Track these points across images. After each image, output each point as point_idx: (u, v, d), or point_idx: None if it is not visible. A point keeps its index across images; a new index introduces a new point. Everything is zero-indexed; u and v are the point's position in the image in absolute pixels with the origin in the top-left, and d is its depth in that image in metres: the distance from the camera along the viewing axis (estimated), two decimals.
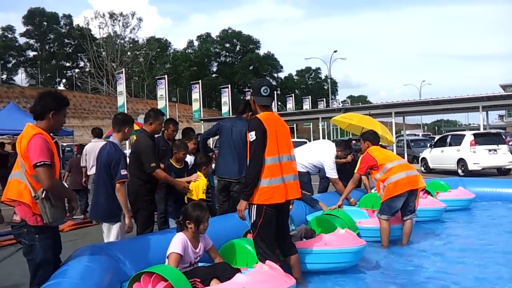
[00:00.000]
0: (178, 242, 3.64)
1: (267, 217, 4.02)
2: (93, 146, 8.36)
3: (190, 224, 3.74)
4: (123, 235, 4.46)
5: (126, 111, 32.78)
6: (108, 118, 44.91)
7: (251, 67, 72.67)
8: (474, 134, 17.59)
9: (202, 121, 39.47)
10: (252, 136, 3.97)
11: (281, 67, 78.57)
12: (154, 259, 3.90)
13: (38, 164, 3.09)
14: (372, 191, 7.62)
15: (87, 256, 3.61)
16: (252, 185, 3.96)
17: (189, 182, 5.36)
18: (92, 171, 8.05)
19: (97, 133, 9.23)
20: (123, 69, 32.49)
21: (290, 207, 5.09)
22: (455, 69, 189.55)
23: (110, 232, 4.35)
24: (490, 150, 16.62)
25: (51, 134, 3.44)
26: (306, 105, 50.09)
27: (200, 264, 3.92)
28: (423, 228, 6.74)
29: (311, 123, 48.03)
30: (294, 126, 49.95)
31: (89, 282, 3.04)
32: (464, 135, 18.03)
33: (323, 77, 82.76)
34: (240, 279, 3.46)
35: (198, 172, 5.72)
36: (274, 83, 76.24)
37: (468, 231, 6.89)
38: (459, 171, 16.96)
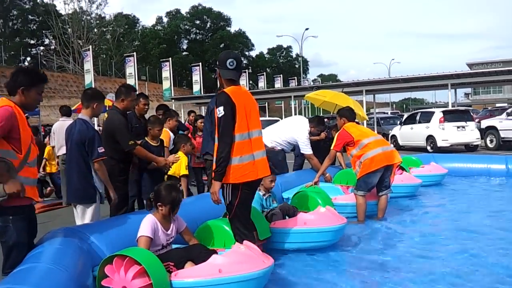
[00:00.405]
0: (147, 225, 3.49)
1: (243, 196, 3.88)
2: (61, 125, 8.05)
3: (162, 207, 3.59)
4: (98, 218, 4.30)
5: None
6: (75, 97, 43.78)
7: (222, 45, 71.72)
8: (443, 112, 17.89)
9: (173, 100, 38.86)
10: (220, 111, 3.75)
11: (253, 45, 78.10)
12: (128, 241, 3.76)
13: None
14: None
15: (60, 239, 3.44)
16: (224, 164, 3.75)
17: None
18: (61, 151, 7.77)
19: (65, 111, 8.88)
20: (90, 47, 31.56)
21: (272, 184, 5.06)
22: (424, 48, 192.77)
23: (85, 215, 4.15)
24: (458, 127, 16.93)
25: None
26: (278, 84, 50.02)
27: (173, 246, 3.80)
28: (397, 203, 6.81)
29: (283, 102, 48.07)
30: (266, 104, 49.97)
31: (61, 266, 2.88)
32: (433, 113, 18.32)
33: (294, 56, 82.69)
34: (216, 260, 3.32)
35: (179, 152, 5.66)
36: (245, 61, 75.73)
37: (441, 206, 6.99)
38: (428, 147, 17.27)
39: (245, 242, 3.71)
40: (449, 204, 7.03)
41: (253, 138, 3.91)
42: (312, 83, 51.21)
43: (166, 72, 39.74)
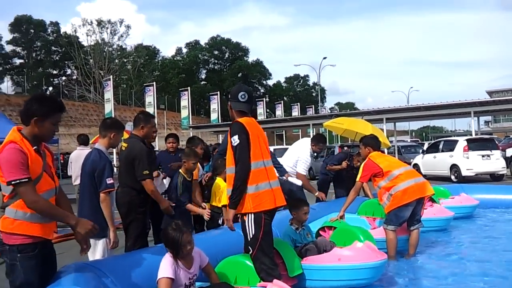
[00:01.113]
0: (166, 265, 3.26)
1: (267, 226, 3.76)
2: (79, 154, 7.98)
3: (170, 251, 3.37)
4: (110, 252, 4.08)
5: None
6: (95, 125, 44.30)
7: (239, 74, 72.49)
8: (467, 140, 17.45)
9: (191, 128, 38.99)
10: (235, 140, 3.76)
11: (270, 74, 78.70)
12: (148, 278, 3.53)
13: (13, 182, 2.73)
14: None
15: (76, 277, 3.22)
16: (240, 191, 3.72)
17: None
18: (78, 181, 7.63)
19: (83, 140, 8.81)
20: (111, 77, 31.99)
21: (306, 216, 4.89)
22: (441, 76, 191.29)
23: (96, 249, 3.94)
24: (483, 156, 16.48)
25: None
26: (295, 112, 49.97)
27: (197, 285, 3.55)
28: (427, 237, 6.42)
29: (300, 130, 47.88)
30: (283, 132, 49.88)
31: None
32: (457, 141, 17.89)
33: (311, 84, 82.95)
34: None
35: (217, 178, 5.61)
36: (262, 90, 76.22)
37: (475, 239, 6.57)
38: (452, 177, 16.80)
39: (275, 281, 3.46)
40: (482, 237, 6.61)
41: (267, 167, 3.91)
42: (329, 111, 51.07)
43: (185, 101, 40.10)
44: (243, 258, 4.05)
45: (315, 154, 7.38)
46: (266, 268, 3.73)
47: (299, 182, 6.30)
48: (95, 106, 50.47)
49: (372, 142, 5.95)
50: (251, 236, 3.74)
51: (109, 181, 3.92)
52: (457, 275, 4.83)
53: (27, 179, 2.74)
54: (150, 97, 35.72)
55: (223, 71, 74.29)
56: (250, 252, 3.81)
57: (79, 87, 53.80)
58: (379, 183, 5.62)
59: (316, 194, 6.75)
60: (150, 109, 36.03)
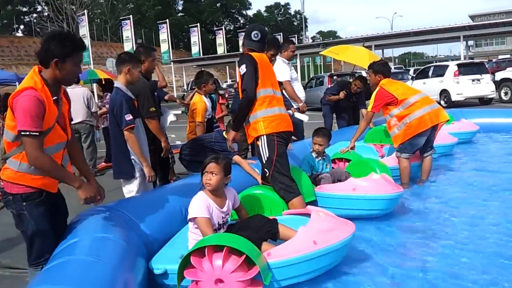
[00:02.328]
0: (200, 204, 3.07)
1: (280, 147, 3.88)
2: (69, 93, 7.53)
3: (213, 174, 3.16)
4: (148, 187, 4.00)
5: (90, 55, 31.21)
6: None
7: (218, 4, 70.01)
8: (457, 65, 17.26)
9: (172, 63, 38.03)
10: (242, 69, 3.87)
11: (250, 3, 76.17)
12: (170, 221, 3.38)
13: (23, 133, 2.45)
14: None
15: (96, 219, 3.01)
16: (243, 113, 3.90)
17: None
18: (75, 119, 7.34)
19: None
20: (85, 11, 30.45)
21: (321, 147, 4.82)
22: (424, 1, 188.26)
23: (126, 191, 3.91)
24: (473, 80, 16.39)
25: None
26: None
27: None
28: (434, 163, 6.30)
29: None
30: None
31: (106, 259, 2.44)
32: (447, 66, 17.70)
33: (292, 13, 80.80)
34: (307, 233, 3.02)
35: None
36: (243, 21, 74.15)
37: (479, 163, 6.53)
38: (442, 102, 16.77)
39: (318, 209, 3.48)
40: (486, 163, 6.54)
41: (277, 96, 4.04)
42: (311, 41, 50.00)
43: (164, 34, 38.76)
44: (261, 189, 4.04)
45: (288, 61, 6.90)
46: (284, 187, 3.85)
47: (305, 118, 6.05)
48: None
49: (382, 68, 5.62)
50: (265, 158, 3.88)
51: (128, 117, 3.70)
52: (467, 201, 4.77)
53: (37, 133, 2.47)
54: (128, 31, 34.48)
55: (201, 2, 71.58)
56: (267, 174, 3.92)
57: (52, 24, 51.29)
58: (392, 111, 5.39)
59: (300, 104, 6.34)
60: (128, 44, 34.86)
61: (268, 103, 3.89)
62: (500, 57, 37.26)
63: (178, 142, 8.75)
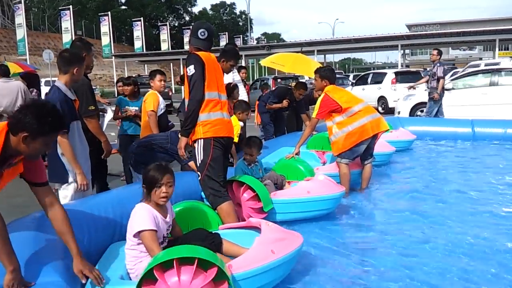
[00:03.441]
0: (146, 216, 2.83)
1: (216, 152, 3.86)
2: (3, 87, 7.13)
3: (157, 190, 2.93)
4: (81, 195, 3.78)
5: (26, 46, 29.72)
6: (5, 53, 40.61)
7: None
8: (395, 73, 17.99)
9: (113, 57, 36.94)
10: (190, 70, 3.80)
11: (195, 0, 75.43)
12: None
13: None
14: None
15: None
16: (192, 118, 3.82)
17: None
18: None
19: (3, 71, 7.80)
20: None
21: (254, 157, 4.85)
22: (364, 9, 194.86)
23: (61, 196, 3.70)
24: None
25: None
26: (223, 42, 48.71)
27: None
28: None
29: None
30: None
31: None
32: (385, 74, 18.40)
33: (238, 13, 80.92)
34: (263, 243, 3.03)
35: (233, 116, 5.45)
36: (188, 18, 73.34)
37: (417, 171, 6.83)
38: (380, 108, 17.41)
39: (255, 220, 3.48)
40: (423, 170, 6.88)
41: (222, 100, 3.99)
42: (255, 42, 50.30)
43: (105, 27, 37.60)
44: (197, 204, 3.92)
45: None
46: (213, 192, 3.84)
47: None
48: (5, 32, 45.95)
49: (329, 74, 5.67)
50: (199, 161, 3.85)
51: None
52: (408, 208, 4.97)
53: None
54: (67, 22, 33.18)
55: None
56: (199, 178, 3.91)
57: None
58: (335, 118, 5.49)
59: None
60: (67, 35, 33.50)
61: (211, 107, 3.85)
62: None
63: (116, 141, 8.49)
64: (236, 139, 5.36)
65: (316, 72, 5.84)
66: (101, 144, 4.35)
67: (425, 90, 11.29)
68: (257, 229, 3.38)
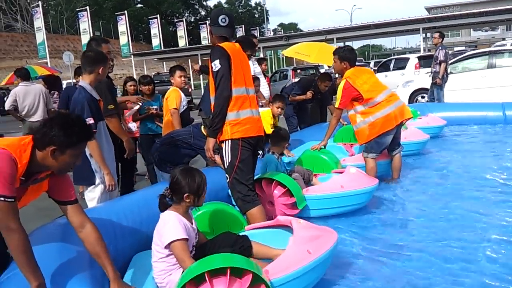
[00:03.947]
0: (177, 225, 2.64)
1: (244, 153, 3.61)
2: (26, 90, 7.20)
3: (188, 198, 2.75)
4: (109, 196, 3.74)
5: (46, 49, 30.05)
6: (26, 57, 41.27)
7: None
8: (418, 57, 17.55)
9: (132, 56, 37.14)
10: (216, 65, 3.54)
11: None
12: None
13: None
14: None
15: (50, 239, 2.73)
16: (220, 118, 3.55)
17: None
18: (34, 117, 7.19)
19: (24, 74, 7.79)
20: (40, 2, 29.25)
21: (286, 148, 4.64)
22: None
23: (88, 199, 3.72)
24: None
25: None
26: (240, 34, 48.53)
27: None
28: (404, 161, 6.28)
29: None
30: None
31: None
32: (408, 59, 18.00)
33: (253, 5, 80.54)
34: (298, 243, 2.83)
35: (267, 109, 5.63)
36: (203, 12, 73.28)
37: (450, 159, 6.52)
38: None
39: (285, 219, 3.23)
40: (457, 157, 6.59)
41: (250, 95, 3.73)
42: (272, 34, 49.87)
43: (123, 26, 37.77)
44: (221, 206, 3.71)
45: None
46: (241, 196, 3.63)
47: None
48: (25, 36, 46.64)
49: (349, 55, 5.27)
50: (227, 163, 3.64)
51: (90, 121, 3.43)
52: (445, 201, 4.68)
53: (12, 200, 2.15)
54: (85, 23, 33.40)
55: None
56: (227, 180, 3.70)
57: (5, 16, 49.18)
58: (356, 107, 5.20)
59: (264, 101, 6.34)
60: (85, 37, 33.74)
61: (240, 105, 3.58)
62: (455, 49, 38.30)
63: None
64: (269, 131, 5.24)
65: (335, 53, 5.48)
66: (123, 144, 4.25)
67: (427, 73, 10.89)
68: (286, 227, 3.19)
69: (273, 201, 4.10)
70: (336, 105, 5.33)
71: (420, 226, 4.03)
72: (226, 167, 3.66)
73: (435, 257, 3.34)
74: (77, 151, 2.34)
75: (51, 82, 9.24)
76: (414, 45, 62.33)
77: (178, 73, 5.48)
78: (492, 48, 13.18)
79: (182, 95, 5.44)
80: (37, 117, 7.17)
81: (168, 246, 2.63)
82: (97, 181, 3.64)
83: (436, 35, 10.14)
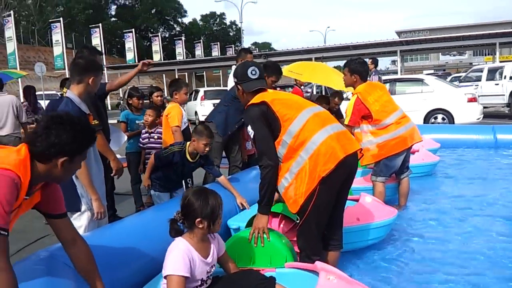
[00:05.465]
0: (179, 259, 2.33)
1: (321, 196, 2.85)
2: None
3: (201, 224, 2.42)
4: (96, 224, 3.28)
5: (17, 59, 29.09)
6: None
7: (153, 11, 68.49)
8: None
9: (106, 69, 36.34)
10: (250, 132, 3.29)
11: (185, 11, 75.28)
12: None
13: None
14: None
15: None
16: (270, 191, 2.97)
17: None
18: (3, 131, 6.57)
19: None
20: (11, 12, 28.42)
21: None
22: (354, 17, 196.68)
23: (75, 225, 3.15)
24: None
25: None
26: (215, 52, 48.50)
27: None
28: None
29: (221, 71, 46.69)
30: (204, 74, 48.39)
31: None
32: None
33: (228, 23, 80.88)
34: None
35: None
36: (178, 28, 73.03)
37: (452, 181, 6.38)
38: None
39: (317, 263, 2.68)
40: (457, 180, 6.45)
41: (310, 116, 2.97)
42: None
43: (96, 39, 37.16)
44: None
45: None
46: (307, 253, 2.97)
47: None
48: None
49: (360, 68, 4.91)
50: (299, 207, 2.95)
51: None
52: (459, 229, 4.46)
53: (5, 233, 1.80)
54: (58, 35, 32.63)
55: (134, 7, 69.70)
56: (297, 220, 3.09)
57: None
58: (363, 126, 4.92)
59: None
60: (57, 48, 32.95)
61: (302, 149, 2.91)
62: (424, 72, 39.26)
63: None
64: None
65: (345, 65, 5.13)
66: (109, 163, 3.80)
67: None
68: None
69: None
70: (346, 122, 4.95)
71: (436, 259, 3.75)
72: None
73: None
74: (83, 156, 2.09)
75: (28, 90, 8.70)
76: (383, 67, 63.57)
77: (184, 89, 5.05)
78: (393, 76, 14.45)
79: (183, 111, 5.06)
80: (6, 131, 6.58)
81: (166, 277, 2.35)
82: (83, 207, 3.20)
83: (369, 61, 10.25)
